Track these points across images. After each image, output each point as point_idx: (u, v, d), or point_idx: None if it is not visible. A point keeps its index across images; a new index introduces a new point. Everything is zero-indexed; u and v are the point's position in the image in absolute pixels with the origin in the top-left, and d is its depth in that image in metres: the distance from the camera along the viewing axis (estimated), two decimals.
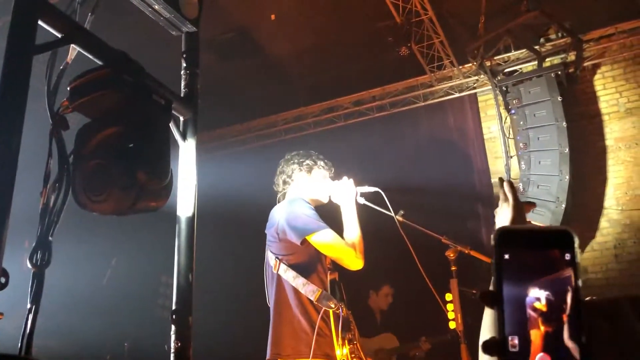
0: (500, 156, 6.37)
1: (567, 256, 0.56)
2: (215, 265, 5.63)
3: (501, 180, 1.10)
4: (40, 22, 1.43)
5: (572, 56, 6.12)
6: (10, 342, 1.39)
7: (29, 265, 1.41)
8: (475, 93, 6.77)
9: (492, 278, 0.58)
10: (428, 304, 3.16)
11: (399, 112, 7.07)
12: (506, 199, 1.07)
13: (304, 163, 3.05)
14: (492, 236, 0.59)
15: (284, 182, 3.06)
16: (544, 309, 0.55)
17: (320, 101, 7.32)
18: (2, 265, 1.24)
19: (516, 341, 0.55)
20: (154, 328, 5.27)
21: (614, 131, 6.02)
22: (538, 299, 0.55)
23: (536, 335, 0.55)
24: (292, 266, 2.75)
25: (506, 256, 0.57)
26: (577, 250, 0.57)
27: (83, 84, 1.54)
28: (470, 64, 6.50)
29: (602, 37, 6.11)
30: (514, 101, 5.80)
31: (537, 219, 5.27)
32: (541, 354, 0.54)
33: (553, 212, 5.27)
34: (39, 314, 1.39)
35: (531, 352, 0.54)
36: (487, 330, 0.84)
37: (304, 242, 2.71)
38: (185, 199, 1.90)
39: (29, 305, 1.39)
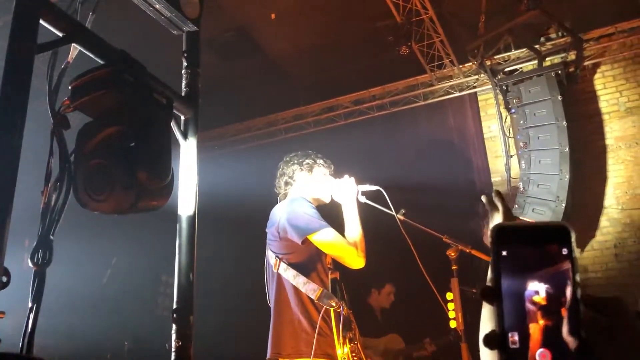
0: (500, 155, 6.37)
1: (565, 251, 0.57)
2: (215, 265, 5.63)
3: (486, 195, 1.10)
4: (41, 22, 1.43)
5: (572, 55, 6.12)
6: (10, 341, 1.39)
7: (30, 264, 1.41)
8: (476, 92, 6.77)
9: (490, 275, 0.58)
10: (429, 303, 3.16)
11: (399, 111, 7.07)
12: (495, 208, 1.07)
13: (304, 162, 3.05)
14: (488, 233, 0.59)
15: (286, 184, 3.06)
16: (543, 302, 0.55)
17: (321, 100, 7.32)
18: (3, 264, 1.24)
19: (516, 337, 0.55)
20: (154, 327, 5.28)
21: (614, 130, 6.02)
22: (537, 292, 0.55)
23: (535, 329, 0.55)
24: (292, 265, 2.75)
25: (504, 253, 0.57)
26: (574, 244, 0.57)
27: (84, 83, 1.54)
28: (470, 63, 6.50)
29: (602, 36, 6.11)
30: (514, 100, 5.80)
31: (538, 218, 5.28)
32: (541, 350, 0.54)
33: (553, 211, 5.27)
34: (40, 313, 1.39)
35: (531, 347, 0.54)
36: (486, 324, 0.84)
37: (305, 241, 2.71)
38: (186, 198, 1.90)
39: (30, 304, 1.39)
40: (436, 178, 5.93)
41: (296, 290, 2.71)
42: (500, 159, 6.35)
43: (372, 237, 2.88)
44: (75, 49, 1.62)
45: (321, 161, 3.09)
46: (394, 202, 2.86)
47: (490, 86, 6.41)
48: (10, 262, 1.25)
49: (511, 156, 6.14)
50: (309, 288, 2.68)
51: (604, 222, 5.88)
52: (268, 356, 2.72)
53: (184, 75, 2.03)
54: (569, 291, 0.55)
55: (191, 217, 1.88)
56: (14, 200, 1.27)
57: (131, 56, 1.60)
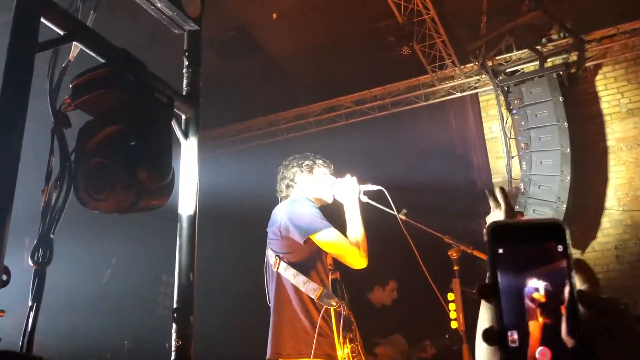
0: (501, 156, 6.36)
1: (560, 248, 0.56)
2: (216, 265, 5.63)
3: (489, 191, 1.10)
4: (42, 20, 1.43)
5: (573, 56, 6.11)
6: (10, 340, 1.39)
7: (30, 263, 1.41)
8: (477, 93, 6.77)
9: (488, 273, 0.58)
10: (430, 304, 3.16)
11: (401, 111, 7.06)
12: (498, 205, 1.07)
13: (304, 164, 3.05)
14: (484, 232, 0.59)
15: (287, 186, 3.06)
16: (543, 299, 0.55)
17: (322, 100, 7.32)
18: (3, 262, 1.23)
19: (515, 336, 0.54)
20: (154, 327, 5.28)
21: (615, 132, 6.02)
22: (536, 289, 0.55)
23: (535, 327, 0.54)
24: (292, 264, 2.74)
25: (500, 250, 0.57)
26: (569, 241, 0.57)
27: (85, 82, 1.54)
28: (471, 64, 6.49)
29: (604, 37, 6.11)
30: (515, 101, 5.80)
31: None
32: (541, 348, 0.54)
33: (554, 212, 5.27)
34: (40, 311, 1.38)
35: (530, 345, 0.54)
36: (485, 321, 0.84)
37: (308, 241, 2.70)
38: (186, 198, 1.89)
39: (30, 303, 1.39)
40: (437, 178, 5.93)
41: (296, 289, 2.70)
42: (502, 160, 6.35)
43: (373, 237, 2.87)
44: (76, 47, 1.61)
45: (320, 161, 3.09)
46: (395, 202, 2.85)
47: (492, 87, 6.41)
48: (11, 260, 1.25)
49: (512, 157, 6.14)
50: (309, 287, 2.67)
51: (605, 223, 5.87)
52: (268, 356, 2.71)
53: (185, 75, 2.03)
54: (567, 289, 0.55)
55: (192, 216, 1.87)
56: (15, 199, 1.27)
57: (132, 55, 1.60)
